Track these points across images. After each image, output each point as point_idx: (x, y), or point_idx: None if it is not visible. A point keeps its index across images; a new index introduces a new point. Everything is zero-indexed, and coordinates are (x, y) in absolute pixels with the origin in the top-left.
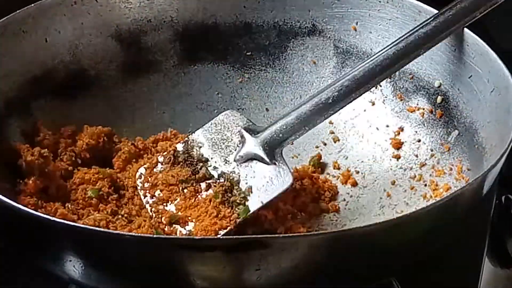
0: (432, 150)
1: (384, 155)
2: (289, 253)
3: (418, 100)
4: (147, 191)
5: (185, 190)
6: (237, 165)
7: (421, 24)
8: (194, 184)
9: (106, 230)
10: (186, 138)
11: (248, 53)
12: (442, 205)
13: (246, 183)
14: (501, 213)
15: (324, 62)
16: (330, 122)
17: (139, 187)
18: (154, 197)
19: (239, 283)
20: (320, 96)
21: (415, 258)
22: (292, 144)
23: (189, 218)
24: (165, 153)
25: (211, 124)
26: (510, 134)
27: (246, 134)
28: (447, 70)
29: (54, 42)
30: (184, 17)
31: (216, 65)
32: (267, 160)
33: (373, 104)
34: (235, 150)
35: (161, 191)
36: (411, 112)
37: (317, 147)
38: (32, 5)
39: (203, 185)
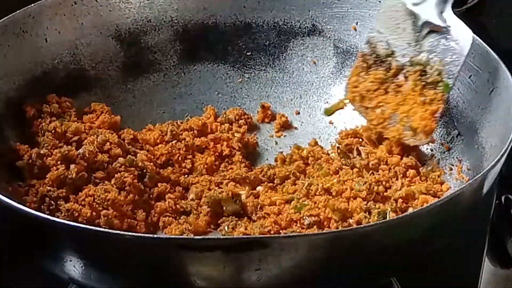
0: (432, 150)
1: None
2: (289, 253)
3: None
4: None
5: (389, 90)
6: (420, 44)
7: None
8: (394, 80)
9: (106, 230)
10: (368, 38)
11: (248, 53)
12: (442, 205)
13: (435, 57)
14: (501, 213)
15: (324, 62)
16: (330, 122)
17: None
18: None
19: (239, 283)
20: None
21: (415, 258)
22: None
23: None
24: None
25: (380, 13)
26: (510, 134)
27: (413, 8)
28: None
29: (54, 42)
30: (184, 17)
31: (216, 65)
32: (442, 24)
33: None
34: (412, 30)
35: (369, 100)
36: None
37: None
38: (32, 5)
39: (401, 77)
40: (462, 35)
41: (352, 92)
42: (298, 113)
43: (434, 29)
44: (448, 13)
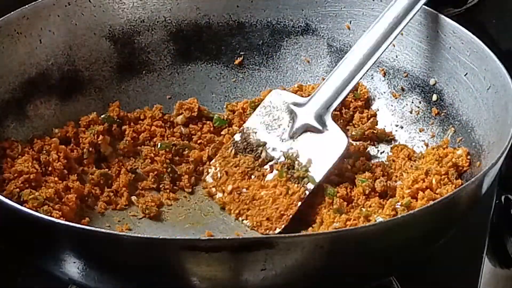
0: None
1: (380, 155)
2: (294, 253)
3: (413, 98)
4: (218, 187)
5: (253, 176)
6: (293, 141)
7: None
8: (259, 170)
9: (107, 231)
10: (242, 128)
11: (241, 53)
12: (442, 205)
13: (305, 156)
14: (501, 213)
15: (318, 61)
16: None
17: (210, 187)
18: (225, 192)
19: (244, 283)
20: (353, 53)
21: (415, 258)
22: None
23: (262, 201)
24: (224, 146)
25: (260, 108)
26: (509, 133)
27: (294, 108)
28: (442, 68)
29: (48, 43)
30: (177, 17)
31: (210, 65)
32: (320, 127)
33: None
34: (288, 127)
35: (232, 184)
36: (406, 110)
37: None
38: (26, 6)
39: (267, 167)
40: (338, 140)
41: (217, 179)
42: None
43: (311, 130)
44: (328, 117)
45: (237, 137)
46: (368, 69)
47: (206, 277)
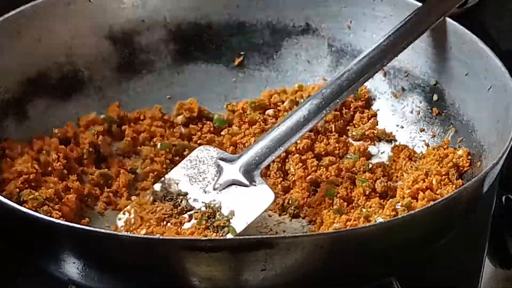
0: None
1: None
2: (294, 253)
3: (414, 98)
4: (131, 232)
5: (169, 224)
6: (217, 193)
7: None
8: (177, 217)
9: (106, 231)
10: (162, 178)
11: (241, 52)
12: (443, 205)
13: (228, 208)
14: (501, 213)
15: (318, 61)
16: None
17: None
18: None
19: (245, 283)
20: (292, 117)
21: (415, 258)
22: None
23: None
24: (142, 194)
25: (186, 161)
26: (510, 133)
27: (222, 163)
28: (443, 68)
29: (48, 43)
30: (177, 17)
31: (210, 65)
32: (247, 183)
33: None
34: (213, 180)
35: (146, 228)
36: (407, 110)
37: None
38: (26, 6)
39: (185, 216)
40: (264, 194)
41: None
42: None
43: (237, 183)
44: (257, 174)
45: (157, 187)
46: (301, 135)
47: (206, 277)
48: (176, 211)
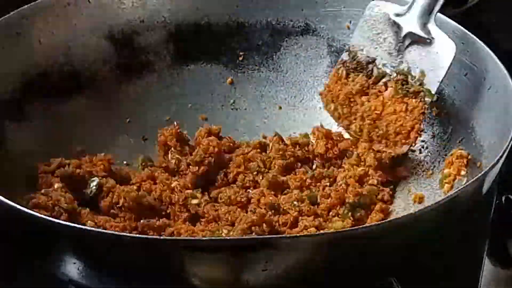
0: (427, 148)
1: None
2: (295, 253)
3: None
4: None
5: (369, 96)
6: (402, 54)
7: None
8: (374, 87)
9: (106, 231)
10: (348, 46)
11: (241, 53)
12: (442, 205)
13: (417, 68)
14: (501, 213)
15: (318, 61)
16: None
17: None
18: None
19: (245, 284)
20: None
21: (415, 258)
22: None
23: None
24: (334, 68)
25: (362, 23)
26: (510, 133)
27: (397, 19)
28: None
29: (47, 43)
30: (176, 18)
31: (210, 65)
32: (425, 36)
33: None
34: (393, 39)
35: (348, 106)
36: None
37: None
38: (26, 6)
39: (381, 84)
40: (445, 47)
41: (330, 99)
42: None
43: (417, 40)
44: (432, 24)
45: (345, 56)
46: None
47: (206, 277)
48: (371, 81)
